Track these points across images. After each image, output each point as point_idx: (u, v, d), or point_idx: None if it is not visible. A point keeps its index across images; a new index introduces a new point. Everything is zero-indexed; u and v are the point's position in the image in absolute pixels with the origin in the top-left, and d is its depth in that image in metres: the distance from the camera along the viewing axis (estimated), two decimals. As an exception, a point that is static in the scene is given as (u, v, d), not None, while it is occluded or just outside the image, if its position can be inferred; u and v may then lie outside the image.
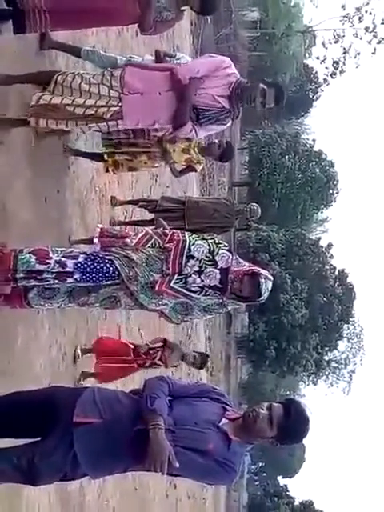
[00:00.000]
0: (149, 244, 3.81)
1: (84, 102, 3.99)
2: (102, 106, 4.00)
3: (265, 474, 56.55)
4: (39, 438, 2.82)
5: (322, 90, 43.39)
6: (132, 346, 5.52)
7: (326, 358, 34.85)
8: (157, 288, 3.69)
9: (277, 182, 33.61)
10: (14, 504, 3.83)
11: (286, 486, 52.31)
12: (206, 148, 6.28)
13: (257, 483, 55.99)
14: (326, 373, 38.22)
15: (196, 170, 6.67)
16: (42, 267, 3.53)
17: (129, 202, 7.37)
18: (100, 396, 2.91)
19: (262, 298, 3.73)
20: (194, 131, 4.25)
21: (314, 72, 41.70)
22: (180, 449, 2.78)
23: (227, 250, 3.77)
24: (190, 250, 3.72)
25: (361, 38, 30.63)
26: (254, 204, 7.17)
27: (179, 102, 4.08)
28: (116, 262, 3.67)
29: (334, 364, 39.03)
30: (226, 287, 3.72)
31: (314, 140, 37.52)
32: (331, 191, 36.02)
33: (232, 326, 31.01)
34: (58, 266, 3.55)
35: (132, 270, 3.67)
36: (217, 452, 2.85)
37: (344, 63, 32.04)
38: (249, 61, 29.97)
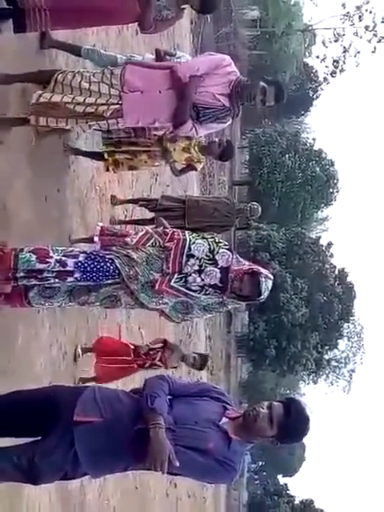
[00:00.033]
0: (149, 243, 3.81)
1: (84, 100, 3.99)
2: (102, 104, 4.00)
3: (265, 473, 56.59)
4: (40, 437, 2.83)
5: (322, 89, 43.43)
6: (132, 347, 5.52)
7: (326, 356, 34.87)
8: (157, 287, 3.69)
9: (277, 180, 33.61)
10: (15, 503, 3.83)
11: (286, 484, 52.36)
12: (206, 147, 6.28)
13: (257, 482, 56.03)
14: (326, 372, 38.24)
15: (196, 169, 6.67)
16: (42, 266, 3.53)
17: (129, 201, 7.37)
18: (100, 395, 2.91)
19: (262, 296, 3.73)
20: (194, 129, 4.24)
21: (314, 71, 41.69)
22: (180, 448, 2.78)
23: (227, 249, 3.78)
24: (190, 248, 3.73)
25: (361, 37, 30.65)
26: (254, 203, 7.17)
27: (179, 100, 4.07)
28: (116, 261, 3.67)
29: (334, 363, 39.05)
30: (226, 286, 3.72)
31: (314, 139, 37.54)
32: (331, 190, 36.03)
33: (232, 325, 31.02)
34: (58, 265, 3.55)
35: (132, 269, 3.67)
36: (217, 451, 2.85)
37: (344, 62, 32.06)
38: (249, 59, 29.97)
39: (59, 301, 3.71)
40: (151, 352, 5.39)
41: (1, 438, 2.88)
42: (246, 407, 3.38)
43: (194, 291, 3.74)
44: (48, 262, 3.54)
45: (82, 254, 3.64)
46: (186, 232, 3.90)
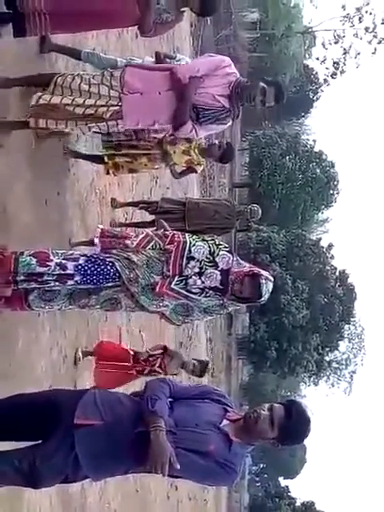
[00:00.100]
0: (149, 246, 3.81)
1: (84, 101, 4.00)
2: (102, 106, 4.00)
3: (266, 475, 56.53)
4: (40, 441, 2.83)
5: (323, 91, 43.49)
6: (132, 352, 5.50)
7: (327, 358, 34.87)
8: (157, 289, 3.69)
9: (277, 182, 33.63)
10: (15, 507, 3.83)
11: (287, 486, 52.32)
12: (206, 149, 6.28)
13: (258, 484, 55.96)
14: (327, 373, 38.23)
15: (196, 172, 6.67)
16: (42, 269, 3.53)
17: (129, 204, 7.37)
18: (101, 398, 2.91)
19: (262, 299, 3.73)
20: (194, 131, 4.24)
21: (314, 72, 41.75)
22: (181, 450, 2.78)
23: (228, 251, 3.78)
24: (190, 251, 3.73)
25: (361, 38, 30.68)
26: (255, 205, 7.17)
27: (179, 101, 4.08)
28: (116, 263, 3.67)
29: (334, 364, 39.05)
30: (227, 288, 3.72)
31: (314, 140, 37.57)
32: (332, 192, 36.04)
33: (233, 327, 31.00)
34: (58, 268, 3.55)
35: (132, 271, 3.67)
36: (218, 453, 2.85)
37: (344, 63, 32.08)
38: (249, 62, 29.99)
39: (59, 304, 3.70)
40: (151, 358, 5.36)
41: (1, 441, 2.88)
42: (246, 409, 3.38)
43: (195, 293, 3.74)
44: (48, 266, 3.54)
45: (82, 257, 3.64)
46: (187, 234, 3.90)
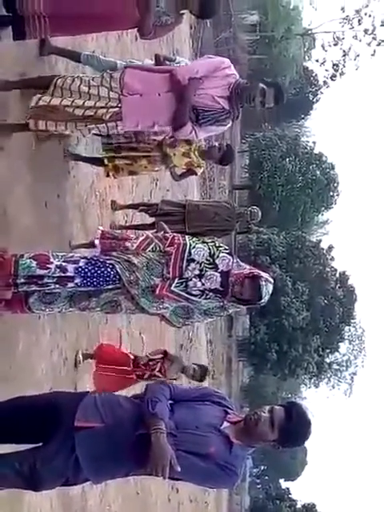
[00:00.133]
0: (149, 248, 3.81)
1: (83, 103, 4.00)
2: (102, 107, 4.01)
3: (267, 477, 56.46)
4: (41, 444, 2.82)
5: (322, 93, 43.54)
6: (132, 357, 5.49)
7: (328, 360, 34.85)
8: (157, 292, 3.69)
9: (277, 184, 33.64)
10: (16, 509, 3.82)
11: (288, 488, 52.24)
12: (206, 151, 6.29)
13: (259, 486, 55.88)
14: (328, 375, 38.20)
15: (196, 174, 6.67)
16: (42, 272, 3.54)
17: (129, 206, 7.38)
18: (101, 400, 2.91)
19: (262, 300, 3.73)
20: (193, 132, 4.24)
21: (313, 74, 41.79)
22: (181, 453, 2.78)
23: (228, 253, 3.78)
24: (190, 253, 3.73)
25: (360, 40, 30.72)
26: (255, 207, 7.18)
27: (179, 102, 4.08)
28: (117, 266, 3.67)
29: (335, 366, 39.02)
30: (227, 290, 3.72)
31: (314, 142, 37.59)
32: (332, 193, 36.06)
33: (233, 329, 30.98)
34: (58, 270, 3.55)
35: (133, 274, 3.67)
36: (218, 455, 2.85)
37: (344, 65, 32.11)
38: (248, 64, 30.00)
39: (60, 306, 3.70)
40: (151, 363, 5.35)
41: (2, 444, 2.88)
42: (247, 411, 3.38)
43: (195, 296, 3.74)
44: (48, 268, 3.54)
45: (82, 260, 3.65)
46: (187, 236, 3.90)
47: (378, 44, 30.25)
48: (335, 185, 35.87)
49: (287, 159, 33.61)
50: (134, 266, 3.68)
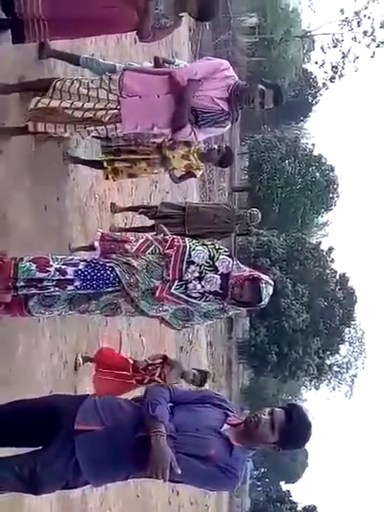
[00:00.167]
0: (149, 250, 3.81)
1: (82, 105, 4.00)
2: (101, 109, 4.01)
3: (267, 480, 56.39)
4: (41, 447, 2.82)
5: (321, 95, 43.61)
6: (131, 361, 5.48)
7: (328, 362, 34.83)
8: (157, 294, 3.69)
9: (277, 186, 33.65)
10: (16, 513, 3.82)
11: (288, 491, 52.20)
12: (205, 154, 6.29)
13: (259, 489, 55.83)
14: (328, 377, 38.20)
15: (195, 176, 6.68)
16: (42, 275, 3.53)
17: (129, 209, 7.38)
18: (101, 403, 2.91)
19: (262, 303, 3.73)
20: (193, 134, 4.24)
21: (313, 76, 41.84)
22: (181, 455, 2.78)
23: (227, 256, 3.78)
24: (190, 255, 3.73)
25: (359, 42, 30.78)
26: (254, 209, 7.18)
27: (178, 104, 4.08)
28: (116, 268, 3.67)
29: (335, 368, 39.02)
30: (227, 293, 3.72)
31: (313, 144, 37.62)
32: (331, 195, 36.07)
33: (233, 331, 30.98)
34: (58, 273, 3.55)
35: (132, 276, 3.67)
36: (218, 458, 2.84)
37: (343, 67, 32.19)
38: (247, 66, 30.03)
39: (59, 309, 3.70)
40: (150, 368, 5.34)
41: (2, 447, 2.88)
42: (247, 414, 3.38)
43: (195, 298, 3.74)
44: (48, 271, 3.54)
45: (82, 263, 3.64)
46: (186, 239, 3.90)
47: (377, 46, 30.33)
48: (335, 187, 35.89)
49: (287, 161, 33.63)
50: (133, 268, 3.68)
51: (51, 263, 3.57)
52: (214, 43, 23.72)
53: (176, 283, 3.69)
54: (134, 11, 3.99)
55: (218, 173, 24.09)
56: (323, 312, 30.72)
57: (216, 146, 6.51)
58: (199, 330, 15.96)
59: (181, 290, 3.70)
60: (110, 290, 3.67)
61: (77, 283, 3.58)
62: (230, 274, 3.71)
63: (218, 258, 3.73)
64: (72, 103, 4.00)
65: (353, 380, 41.93)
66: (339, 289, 31.90)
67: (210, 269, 3.71)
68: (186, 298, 3.72)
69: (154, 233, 5.51)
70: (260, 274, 3.75)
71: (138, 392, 5.27)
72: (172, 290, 3.69)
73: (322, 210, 37.44)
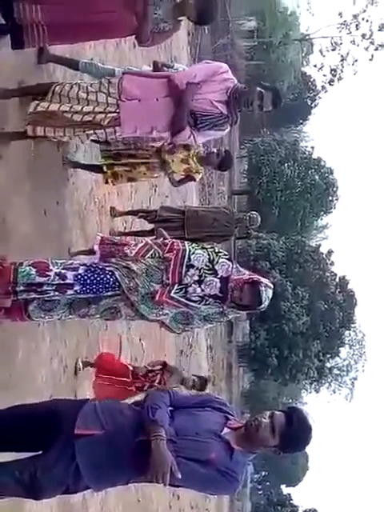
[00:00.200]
0: (148, 254, 3.81)
1: (82, 108, 4.01)
2: (100, 113, 4.01)
3: (268, 483, 56.29)
4: (41, 452, 2.82)
5: (320, 98, 43.66)
6: (131, 368, 5.47)
7: (328, 365, 34.80)
8: (157, 298, 3.69)
9: (276, 189, 33.66)
10: (17, 517, 3.81)
11: (289, 494, 52.11)
12: (204, 157, 6.30)
13: (260, 492, 55.72)
14: (329, 380, 38.15)
15: (195, 180, 6.68)
16: (42, 279, 3.53)
17: (128, 213, 7.38)
18: (101, 407, 2.91)
19: (262, 306, 3.72)
20: (192, 137, 4.25)
21: (311, 80, 41.91)
22: (182, 459, 2.78)
23: (227, 259, 3.78)
24: (189, 259, 3.73)
25: (358, 45, 30.83)
26: (254, 212, 7.18)
27: (177, 107, 4.09)
28: (116, 272, 3.67)
29: (336, 371, 38.97)
30: (227, 296, 3.72)
31: (312, 147, 37.62)
32: (331, 198, 36.07)
33: (233, 335, 30.94)
34: (58, 278, 3.55)
35: (132, 280, 3.67)
36: (219, 462, 2.84)
37: (342, 70, 32.22)
38: (246, 70, 30.09)
39: (59, 314, 3.70)
40: (150, 374, 5.33)
41: (2, 452, 2.88)
42: (248, 417, 3.38)
43: (194, 302, 3.73)
44: (48, 275, 3.54)
45: (81, 267, 3.65)
46: (186, 242, 3.90)
47: (376, 49, 30.39)
48: (334, 189, 35.89)
49: (286, 164, 33.64)
50: (133, 272, 3.68)
51: (51, 267, 3.57)
52: (213, 47, 23.76)
53: (176, 287, 3.69)
54: (132, 16, 4.01)
55: (217, 176, 24.11)
56: (323, 315, 30.70)
57: (215, 150, 6.53)
58: (199, 334, 15.95)
59: (180, 293, 3.70)
60: (109, 294, 3.67)
61: (76, 287, 3.58)
62: (229, 277, 3.71)
63: (217, 262, 3.73)
64: (71, 107, 4.01)
65: (353, 383, 41.88)
66: (339, 291, 31.88)
67: (209, 272, 3.71)
68: (185, 301, 3.72)
69: (154, 237, 5.52)
70: (260, 278, 3.75)
71: (138, 397, 5.27)
72: (172, 294, 3.69)
73: (322, 213, 37.43)
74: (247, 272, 3.81)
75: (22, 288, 3.53)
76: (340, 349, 35.14)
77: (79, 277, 3.59)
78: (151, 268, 3.73)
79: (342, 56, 31.65)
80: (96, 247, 5.07)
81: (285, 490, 54.21)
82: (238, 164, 34.95)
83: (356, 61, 31.26)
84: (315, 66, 34.53)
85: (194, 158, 6.16)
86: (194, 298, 3.72)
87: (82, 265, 3.68)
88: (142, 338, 8.09)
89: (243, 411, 38.01)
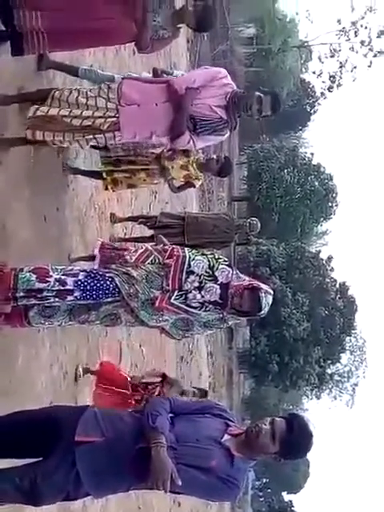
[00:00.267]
0: (148, 260, 3.81)
1: (81, 113, 4.02)
2: (99, 118, 4.02)
3: (269, 490, 56.10)
4: (41, 458, 2.81)
5: (319, 104, 43.73)
6: (129, 379, 5.45)
7: (329, 371, 34.73)
8: (157, 304, 3.69)
9: (276, 195, 33.67)
10: (17, 525, 3.79)
11: (290, 501, 51.94)
12: (204, 164, 6.31)
13: (261, 499, 55.52)
14: (329, 386, 38.07)
15: (194, 186, 6.69)
16: (42, 285, 3.53)
17: (128, 219, 7.39)
18: (102, 414, 2.90)
19: (262, 312, 3.72)
20: (191, 142, 4.25)
21: (310, 86, 42.00)
22: (182, 466, 2.77)
23: (227, 265, 3.78)
24: (189, 265, 3.73)
25: (357, 52, 30.89)
26: (254, 218, 7.18)
27: (176, 112, 4.10)
28: (116, 279, 3.67)
29: (336, 377, 38.88)
30: (226, 302, 3.71)
31: (312, 153, 37.64)
32: (330, 204, 36.08)
33: (233, 341, 30.91)
34: (58, 284, 3.55)
35: (132, 286, 3.67)
36: (220, 469, 2.83)
37: (340, 77, 32.26)
38: (245, 76, 30.18)
39: (59, 320, 3.70)
40: (150, 387, 5.33)
41: (2, 459, 2.87)
42: (248, 424, 3.37)
43: (195, 308, 3.73)
44: (48, 281, 3.54)
45: (81, 273, 3.64)
46: (186, 249, 3.90)
47: (375, 55, 30.45)
48: (334, 195, 35.90)
49: (285, 170, 33.66)
50: (133, 278, 3.68)
51: (51, 274, 3.57)
52: (212, 54, 23.84)
53: (176, 293, 3.69)
54: (132, 23, 4.02)
55: (217, 183, 24.15)
56: (324, 321, 30.66)
57: (215, 156, 6.54)
58: (199, 340, 15.93)
59: (180, 299, 3.70)
60: (109, 300, 3.67)
61: (76, 293, 3.58)
62: (229, 283, 3.71)
63: (217, 268, 3.73)
64: (70, 111, 4.02)
65: (354, 389, 41.77)
66: (339, 297, 31.85)
67: (209, 279, 3.71)
68: (185, 307, 3.72)
69: (154, 243, 5.52)
70: (259, 284, 3.75)
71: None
72: (172, 300, 3.69)
73: (322, 219, 37.43)
74: (247, 278, 3.81)
75: (22, 294, 3.52)
76: (341, 355, 35.08)
77: (79, 283, 3.58)
78: (151, 274, 3.73)
79: (340, 63, 31.71)
80: (96, 251, 5.08)
81: (286, 497, 54.05)
82: (237, 170, 35.00)
83: (355, 67, 31.32)
84: (314, 72, 34.58)
85: (194, 165, 6.17)
86: (194, 305, 3.72)
87: (81, 271, 3.68)
88: (142, 344, 8.08)
89: (244, 418, 37.91)
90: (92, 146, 4.80)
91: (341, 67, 31.77)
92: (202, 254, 3.81)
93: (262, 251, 30.88)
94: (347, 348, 36.72)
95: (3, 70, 4.09)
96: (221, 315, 3.80)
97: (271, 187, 33.55)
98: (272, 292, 3.78)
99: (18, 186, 4.29)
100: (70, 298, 3.58)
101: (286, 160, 34.34)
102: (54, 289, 3.55)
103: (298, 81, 38.66)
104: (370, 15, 30.34)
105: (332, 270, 32.84)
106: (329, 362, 33.05)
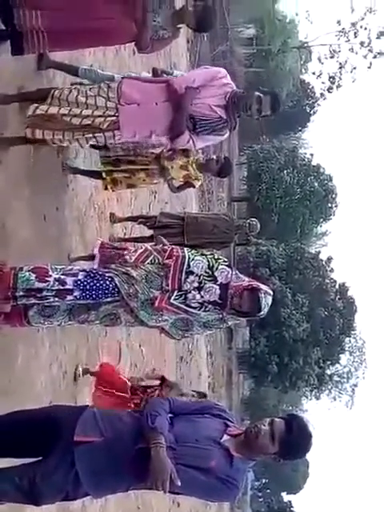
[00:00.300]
0: (148, 260, 3.81)
1: (81, 112, 4.01)
2: (99, 116, 4.02)
3: (269, 491, 56.09)
4: (40, 458, 2.81)
5: (319, 105, 43.75)
6: (129, 383, 5.44)
7: (329, 372, 34.74)
8: (157, 304, 3.68)
9: (276, 196, 33.68)
10: (16, 525, 3.78)
11: (290, 502, 51.94)
12: (204, 164, 6.31)
13: (261, 500, 55.52)
14: (329, 387, 38.07)
15: (194, 186, 6.69)
16: (41, 285, 3.53)
17: (128, 219, 7.39)
18: (101, 414, 2.90)
19: (261, 312, 3.72)
20: (191, 141, 4.25)
21: (310, 87, 42.03)
22: (181, 466, 2.77)
23: (227, 266, 3.78)
24: (189, 265, 3.73)
25: (356, 53, 30.89)
26: (253, 219, 7.19)
27: (176, 111, 4.10)
28: (116, 278, 3.66)
29: (336, 378, 38.89)
30: (226, 303, 3.71)
31: (311, 154, 37.65)
32: (330, 205, 36.09)
33: (233, 341, 30.91)
34: (57, 283, 3.55)
35: (132, 286, 3.67)
36: (219, 469, 2.83)
37: (340, 78, 32.26)
38: (245, 77, 30.18)
39: (59, 319, 3.70)
40: (149, 390, 5.32)
41: (1, 458, 2.87)
42: (248, 424, 3.37)
43: (194, 308, 3.73)
44: (47, 281, 3.54)
45: (81, 273, 3.64)
46: (185, 249, 3.90)
47: (374, 56, 30.45)
48: (333, 196, 35.91)
49: (285, 171, 33.67)
50: (132, 278, 3.68)
51: (50, 273, 3.57)
52: (212, 54, 23.85)
53: (175, 293, 3.69)
54: (132, 23, 4.03)
55: (216, 183, 24.16)
56: (323, 322, 30.67)
57: (214, 157, 6.54)
58: (199, 340, 15.94)
59: (180, 300, 3.70)
60: (109, 300, 3.67)
61: (76, 293, 3.58)
62: (229, 284, 3.70)
63: (217, 268, 3.73)
64: (70, 110, 4.02)
65: (353, 390, 41.77)
66: (339, 298, 31.86)
67: (209, 279, 3.71)
68: (185, 308, 3.72)
69: (153, 243, 5.52)
70: (259, 284, 3.75)
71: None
72: (171, 300, 3.69)
73: (321, 220, 37.44)
74: (247, 279, 3.81)
75: (21, 293, 3.52)
76: (340, 356, 35.09)
77: (79, 282, 3.58)
78: (151, 274, 3.73)
79: (340, 64, 31.71)
80: (96, 251, 5.08)
81: (285, 497, 54.05)
82: (237, 171, 35.01)
83: (354, 68, 31.32)
84: (314, 73, 34.56)
85: (194, 165, 6.17)
86: (193, 305, 3.72)
87: (81, 270, 3.68)
88: (141, 344, 8.07)
89: (243, 418, 37.91)
90: (92, 146, 4.81)
91: (340, 68, 31.78)
92: (202, 255, 3.81)
93: (262, 252, 30.89)
94: (347, 349, 36.73)
95: (3, 70, 4.09)
96: (220, 315, 3.80)
97: (271, 188, 33.56)
98: (271, 292, 3.78)
99: (17, 185, 4.28)
100: (69, 297, 3.58)
101: (285, 161, 34.35)
102: (53, 288, 3.55)
103: (298, 81, 38.68)
104: (370, 16, 30.37)
105: (332, 270, 32.86)
106: (328, 362, 33.06)
